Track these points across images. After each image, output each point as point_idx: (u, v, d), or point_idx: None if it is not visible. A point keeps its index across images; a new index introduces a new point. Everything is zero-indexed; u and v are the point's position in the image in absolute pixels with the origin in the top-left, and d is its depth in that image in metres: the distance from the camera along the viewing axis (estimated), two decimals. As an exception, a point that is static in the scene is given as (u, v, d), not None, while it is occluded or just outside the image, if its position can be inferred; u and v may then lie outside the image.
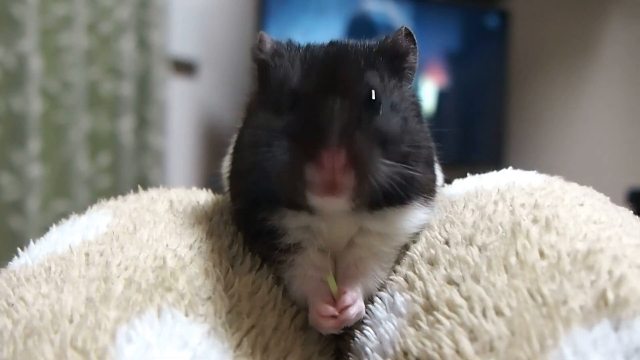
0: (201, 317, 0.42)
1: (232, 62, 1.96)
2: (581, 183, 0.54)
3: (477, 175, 0.59)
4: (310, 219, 0.46)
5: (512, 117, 2.26)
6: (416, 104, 0.50)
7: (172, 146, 1.82)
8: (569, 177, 0.55)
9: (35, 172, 1.48)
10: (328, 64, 0.46)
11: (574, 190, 0.51)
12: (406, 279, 0.46)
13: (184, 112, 1.91)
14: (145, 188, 0.62)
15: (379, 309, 0.47)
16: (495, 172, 0.58)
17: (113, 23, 1.65)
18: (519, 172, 0.57)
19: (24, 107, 1.45)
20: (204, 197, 0.60)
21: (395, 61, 0.49)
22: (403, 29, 0.49)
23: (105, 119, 1.65)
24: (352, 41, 0.50)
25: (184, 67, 1.91)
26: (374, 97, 0.44)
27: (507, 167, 0.59)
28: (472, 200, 0.52)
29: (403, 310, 0.44)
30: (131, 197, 0.59)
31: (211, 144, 1.95)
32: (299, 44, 0.50)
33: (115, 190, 1.63)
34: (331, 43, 0.49)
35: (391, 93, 0.47)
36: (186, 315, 0.41)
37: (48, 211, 1.54)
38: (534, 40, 2.22)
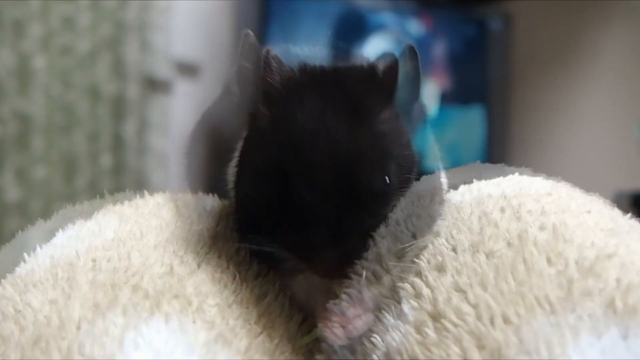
0: (208, 323, 0.42)
1: (235, 64, 1.96)
2: (584, 185, 0.54)
3: (483, 181, 0.58)
4: None
5: (514, 119, 2.26)
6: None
7: (175, 148, 1.82)
8: (572, 179, 0.55)
9: (38, 173, 1.48)
10: (328, 161, 0.44)
11: (581, 197, 0.51)
12: (413, 286, 0.46)
13: (187, 114, 1.91)
14: (148, 190, 0.62)
15: (385, 316, 0.46)
16: (501, 177, 0.58)
17: (116, 25, 1.65)
18: (526, 178, 0.57)
19: (27, 108, 1.45)
20: (210, 202, 0.60)
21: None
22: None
23: (108, 121, 1.65)
24: (351, 85, 0.47)
25: (187, 69, 1.91)
26: (377, 199, 0.46)
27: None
28: (478, 207, 0.51)
29: (410, 317, 0.44)
30: (137, 202, 0.59)
31: (214, 146, 1.95)
32: (305, 81, 0.48)
33: (118, 192, 1.63)
34: (328, 100, 0.46)
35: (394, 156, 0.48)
36: (193, 321, 0.41)
37: (51, 213, 1.53)
38: (536, 43, 2.22)
